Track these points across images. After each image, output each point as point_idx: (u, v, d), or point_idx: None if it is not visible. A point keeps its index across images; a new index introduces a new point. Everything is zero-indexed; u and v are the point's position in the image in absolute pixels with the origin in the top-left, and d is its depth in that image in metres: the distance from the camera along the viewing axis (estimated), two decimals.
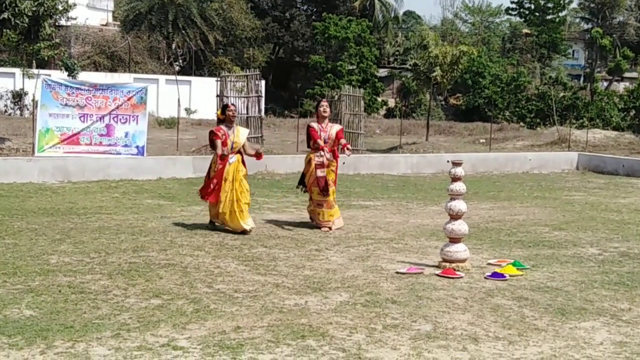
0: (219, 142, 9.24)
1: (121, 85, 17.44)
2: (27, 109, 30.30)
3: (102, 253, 7.85)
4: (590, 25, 56.19)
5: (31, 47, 19.71)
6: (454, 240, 7.57)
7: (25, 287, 6.40)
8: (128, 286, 6.53)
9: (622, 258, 8.38)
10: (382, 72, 47.73)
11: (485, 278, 7.19)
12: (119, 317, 5.61)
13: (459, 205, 7.56)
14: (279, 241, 8.84)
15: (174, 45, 42.62)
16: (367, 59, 41.88)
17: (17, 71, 30.93)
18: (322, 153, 9.74)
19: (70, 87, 15.75)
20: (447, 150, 22.78)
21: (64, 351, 4.87)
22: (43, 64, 31.55)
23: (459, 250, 7.54)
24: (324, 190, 9.66)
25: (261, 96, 21.53)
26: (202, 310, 5.85)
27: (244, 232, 9.11)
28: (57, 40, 24.57)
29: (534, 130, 33.09)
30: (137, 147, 15.69)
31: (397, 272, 7.33)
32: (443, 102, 47.41)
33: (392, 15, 53.23)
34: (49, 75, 23.50)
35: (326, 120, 9.95)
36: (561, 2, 49.04)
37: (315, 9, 49.47)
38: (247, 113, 20.12)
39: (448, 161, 8.52)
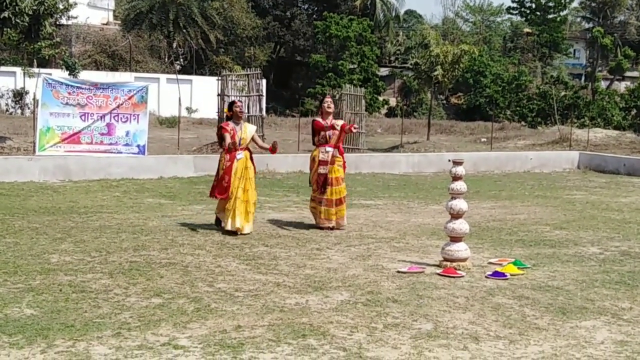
0: (227, 135, 9.16)
1: (122, 84, 17.42)
2: (28, 108, 30.33)
3: (103, 252, 7.85)
4: (591, 25, 56.24)
5: (32, 46, 19.73)
6: (455, 239, 7.57)
7: (26, 286, 6.40)
8: (129, 285, 6.53)
9: (623, 257, 8.37)
10: (384, 71, 47.72)
11: (486, 277, 7.18)
12: (120, 316, 5.61)
13: (460, 204, 7.55)
14: (280, 240, 8.84)
15: (174, 44, 42.62)
16: (368, 58, 41.85)
17: (18, 70, 31.04)
18: (327, 149, 9.70)
19: (71, 86, 15.75)
20: (448, 150, 22.77)
21: (64, 350, 4.86)
22: (44, 63, 31.60)
23: (460, 249, 7.54)
24: (322, 187, 9.62)
25: (262, 95, 21.52)
26: (203, 310, 5.84)
27: (237, 231, 8.99)
28: (58, 39, 24.62)
29: (535, 130, 33.12)
30: (138, 146, 15.69)
31: (398, 271, 7.32)
32: (444, 101, 47.39)
33: (393, 14, 53.24)
34: (50, 74, 23.55)
35: (330, 117, 9.90)
36: (562, 1, 49.02)
37: (316, 8, 49.44)
38: (248, 112, 20.11)
39: (449, 160, 8.50)
